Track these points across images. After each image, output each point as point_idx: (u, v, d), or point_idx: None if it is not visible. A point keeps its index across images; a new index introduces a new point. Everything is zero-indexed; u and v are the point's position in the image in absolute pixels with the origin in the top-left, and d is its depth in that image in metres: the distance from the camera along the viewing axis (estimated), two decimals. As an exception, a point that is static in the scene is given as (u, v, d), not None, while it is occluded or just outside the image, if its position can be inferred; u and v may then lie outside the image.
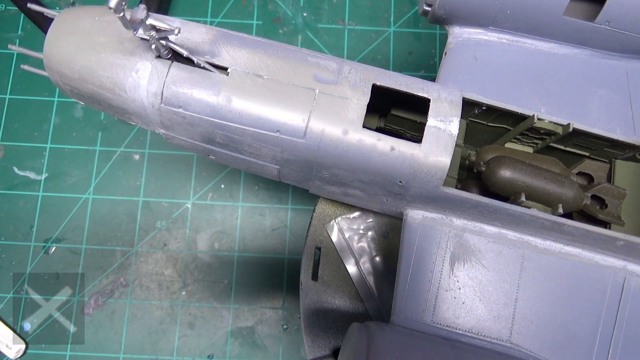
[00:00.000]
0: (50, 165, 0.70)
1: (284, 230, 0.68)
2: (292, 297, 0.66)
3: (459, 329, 0.41)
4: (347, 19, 0.73)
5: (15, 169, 0.69)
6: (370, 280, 0.53)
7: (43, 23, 0.70)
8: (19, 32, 0.72)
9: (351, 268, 0.55)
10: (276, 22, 0.73)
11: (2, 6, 0.73)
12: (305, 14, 0.74)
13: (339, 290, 0.54)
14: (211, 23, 0.73)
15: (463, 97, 0.39)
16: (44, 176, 0.69)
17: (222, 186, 0.69)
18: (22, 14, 0.73)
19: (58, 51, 0.35)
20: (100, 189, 0.69)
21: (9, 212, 0.68)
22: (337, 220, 0.56)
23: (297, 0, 0.74)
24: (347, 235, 0.55)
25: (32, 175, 0.69)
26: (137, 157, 0.70)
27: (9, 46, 0.40)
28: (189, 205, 0.68)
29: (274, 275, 0.67)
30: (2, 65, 0.72)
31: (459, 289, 0.42)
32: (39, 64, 0.40)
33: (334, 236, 0.55)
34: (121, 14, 0.28)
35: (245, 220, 0.68)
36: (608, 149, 0.45)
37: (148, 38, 0.31)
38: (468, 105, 0.43)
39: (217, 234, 0.68)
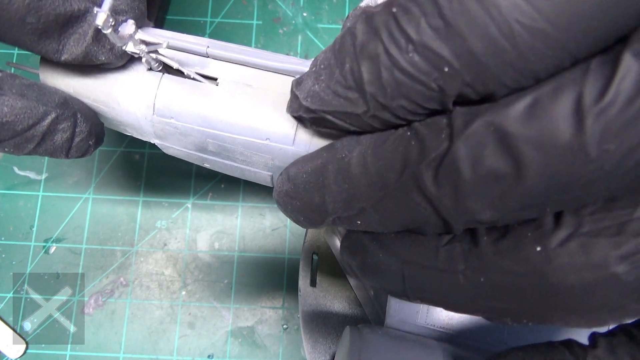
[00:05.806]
0: (50, 165, 0.69)
1: (284, 230, 0.68)
2: (292, 296, 0.66)
3: (452, 330, 0.41)
4: (347, 19, 0.73)
5: (15, 169, 0.69)
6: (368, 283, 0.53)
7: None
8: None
9: (349, 273, 0.54)
10: (276, 22, 0.73)
11: None
12: (305, 14, 0.73)
13: (338, 295, 0.54)
14: (211, 23, 0.72)
15: None
16: (44, 176, 0.69)
17: (222, 186, 0.69)
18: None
19: (53, 66, 0.35)
20: (100, 189, 0.69)
21: (9, 212, 0.68)
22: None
23: (297, 0, 0.74)
24: (345, 240, 0.55)
25: (32, 175, 0.69)
26: (137, 157, 0.70)
27: (7, 63, 0.41)
28: (189, 205, 0.68)
29: (274, 275, 0.67)
30: (2, 65, 0.72)
31: (452, 289, 0.42)
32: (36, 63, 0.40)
33: (331, 241, 0.55)
34: (109, 31, 0.27)
35: (245, 220, 0.68)
36: None
37: (138, 52, 0.31)
38: None
39: (217, 234, 0.68)
